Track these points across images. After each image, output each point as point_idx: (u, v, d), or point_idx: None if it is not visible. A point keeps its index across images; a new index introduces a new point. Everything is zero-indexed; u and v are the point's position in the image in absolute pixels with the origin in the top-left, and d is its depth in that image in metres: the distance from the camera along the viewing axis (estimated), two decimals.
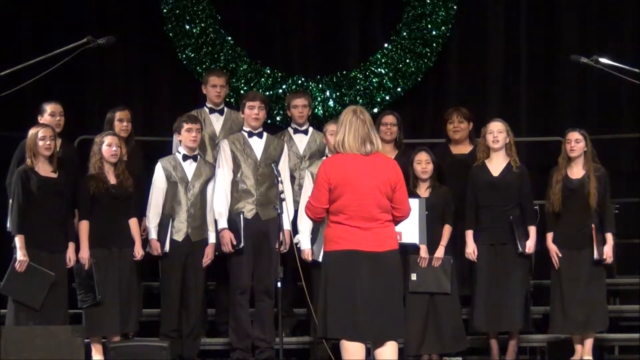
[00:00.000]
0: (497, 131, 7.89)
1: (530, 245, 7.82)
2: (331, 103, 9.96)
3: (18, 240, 7.44)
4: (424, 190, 7.91)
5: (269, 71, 9.99)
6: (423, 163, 7.89)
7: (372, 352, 6.29)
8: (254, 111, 7.96)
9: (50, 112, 7.96)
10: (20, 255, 7.42)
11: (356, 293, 5.97)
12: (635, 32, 9.89)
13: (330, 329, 6.01)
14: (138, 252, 7.74)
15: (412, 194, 7.80)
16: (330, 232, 6.09)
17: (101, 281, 7.57)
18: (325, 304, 6.04)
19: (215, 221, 7.87)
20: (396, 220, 6.20)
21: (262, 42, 10.14)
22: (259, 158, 7.94)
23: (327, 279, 6.05)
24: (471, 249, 7.86)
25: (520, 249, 7.78)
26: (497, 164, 7.92)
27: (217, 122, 8.41)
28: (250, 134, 7.98)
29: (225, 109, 8.51)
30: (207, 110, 8.42)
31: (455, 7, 9.99)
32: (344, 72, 10.05)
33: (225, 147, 7.95)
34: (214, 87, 8.38)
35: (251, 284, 7.89)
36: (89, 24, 9.58)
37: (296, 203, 7.98)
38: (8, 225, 7.79)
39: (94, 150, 7.73)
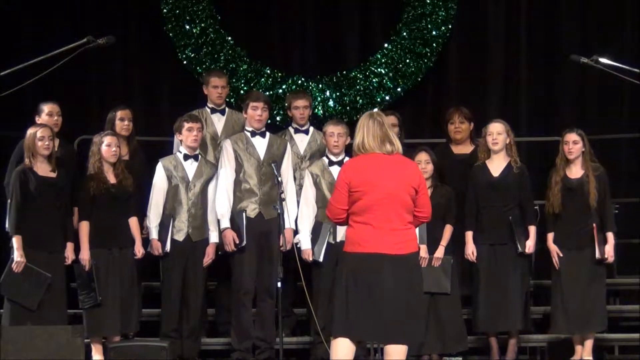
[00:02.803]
0: (496, 133, 7.90)
1: (530, 245, 7.82)
2: (331, 103, 9.96)
3: (15, 241, 7.44)
4: None
5: (269, 71, 9.99)
6: (422, 163, 7.89)
7: (376, 351, 6.29)
8: (257, 112, 7.96)
9: (47, 112, 7.95)
10: (17, 255, 7.42)
11: (378, 295, 5.92)
12: (635, 32, 9.89)
13: (354, 330, 5.95)
14: (138, 250, 7.74)
15: None
16: (352, 233, 6.03)
17: (101, 282, 7.57)
18: (346, 304, 5.97)
19: (218, 221, 7.87)
20: (419, 221, 6.17)
21: (262, 42, 10.13)
22: (262, 157, 7.93)
23: (348, 280, 5.98)
24: (470, 250, 7.86)
25: (520, 248, 7.78)
26: (497, 164, 7.92)
27: (218, 122, 8.41)
28: (253, 134, 7.99)
29: (227, 109, 8.51)
30: (208, 110, 8.42)
31: (455, 7, 9.98)
32: (344, 72, 10.04)
33: (227, 146, 7.95)
34: (215, 87, 8.39)
35: (254, 284, 7.87)
36: (89, 24, 9.58)
37: (297, 203, 7.97)
38: (7, 225, 7.79)
39: (93, 150, 7.73)
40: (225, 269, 8.07)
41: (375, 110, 6.25)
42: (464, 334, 7.92)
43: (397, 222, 5.97)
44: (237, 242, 7.78)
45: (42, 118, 7.92)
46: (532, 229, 7.86)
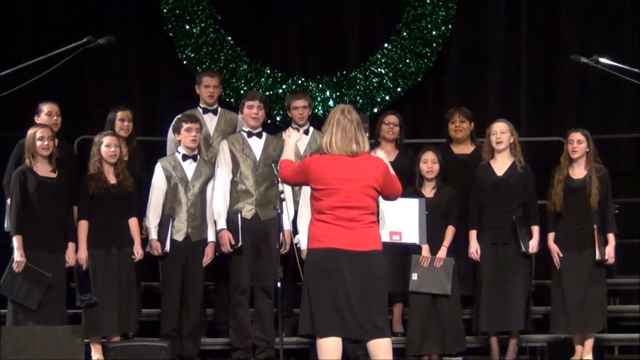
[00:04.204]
0: (499, 132, 7.90)
1: (533, 245, 7.82)
2: (331, 103, 9.96)
3: (16, 241, 7.44)
4: (429, 190, 7.90)
5: (269, 71, 9.99)
6: (429, 162, 7.89)
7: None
8: (252, 110, 7.96)
9: (47, 112, 7.95)
10: (17, 255, 7.42)
11: (339, 291, 5.96)
12: (635, 32, 9.89)
13: (315, 326, 6.00)
14: (137, 252, 7.74)
15: (417, 193, 7.81)
16: (313, 230, 6.09)
17: (98, 282, 7.57)
18: (309, 302, 6.04)
19: (215, 221, 7.88)
20: (389, 199, 6.23)
21: (262, 42, 10.14)
22: (258, 158, 7.94)
23: (309, 277, 6.06)
24: (474, 249, 7.86)
25: (523, 248, 7.78)
26: (501, 164, 7.92)
27: (210, 122, 8.40)
28: (250, 134, 7.99)
29: (219, 109, 8.50)
30: (200, 110, 8.40)
31: (455, 7, 9.99)
32: (344, 72, 10.04)
33: (224, 147, 7.96)
34: (207, 87, 8.38)
35: (251, 284, 7.89)
36: (89, 24, 9.58)
37: (296, 203, 7.97)
38: (5, 225, 7.79)
39: (93, 150, 7.74)
40: (224, 269, 8.07)
41: (347, 105, 6.21)
42: (463, 334, 7.92)
43: (357, 221, 6.01)
44: (233, 243, 7.79)
45: (42, 118, 7.92)
46: (536, 229, 7.86)
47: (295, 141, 6.43)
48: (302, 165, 6.16)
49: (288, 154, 6.31)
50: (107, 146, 7.70)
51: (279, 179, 6.40)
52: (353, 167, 6.03)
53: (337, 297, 5.97)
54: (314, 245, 6.07)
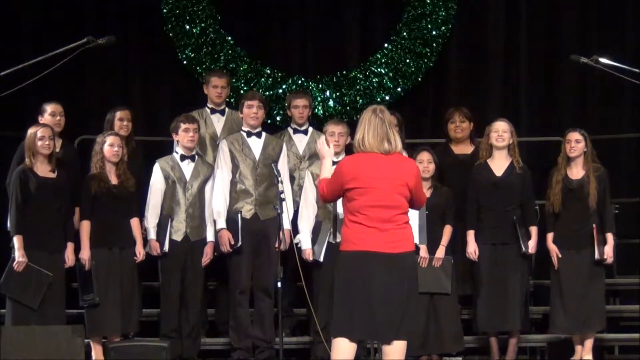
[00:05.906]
0: (502, 130, 7.90)
1: (532, 245, 7.83)
2: (331, 103, 9.96)
3: (16, 241, 7.44)
4: (425, 190, 7.90)
5: (269, 71, 9.99)
6: (425, 162, 7.90)
7: (376, 350, 6.28)
8: (252, 110, 7.97)
9: (50, 112, 7.96)
10: (18, 255, 7.43)
11: (370, 294, 5.94)
12: (635, 32, 9.89)
13: (343, 328, 5.98)
14: (139, 252, 7.74)
15: None
16: (347, 232, 6.06)
17: (102, 282, 7.58)
18: (341, 304, 5.99)
19: (214, 221, 7.88)
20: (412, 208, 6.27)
21: (262, 42, 10.14)
22: (257, 158, 7.94)
23: (342, 279, 6.02)
24: (472, 249, 7.86)
25: (523, 249, 7.78)
26: (499, 164, 7.92)
27: (218, 122, 8.42)
28: (249, 134, 7.99)
29: (227, 109, 8.51)
30: (208, 110, 8.43)
31: (455, 7, 9.99)
32: (344, 72, 10.04)
33: (224, 147, 7.96)
34: (215, 87, 8.39)
35: (251, 284, 7.89)
36: (89, 24, 9.58)
37: (296, 203, 7.99)
38: (8, 224, 7.79)
39: (96, 149, 7.74)
40: (225, 269, 8.07)
41: (379, 105, 6.22)
42: (461, 333, 7.93)
43: (390, 222, 5.98)
44: (233, 242, 7.79)
45: (45, 118, 7.93)
46: (534, 230, 7.87)
47: (330, 161, 6.30)
48: (335, 170, 6.13)
49: (324, 175, 6.21)
50: (110, 145, 7.70)
51: (322, 201, 6.38)
52: (386, 165, 6.01)
53: (363, 301, 5.92)
54: (348, 247, 6.03)
